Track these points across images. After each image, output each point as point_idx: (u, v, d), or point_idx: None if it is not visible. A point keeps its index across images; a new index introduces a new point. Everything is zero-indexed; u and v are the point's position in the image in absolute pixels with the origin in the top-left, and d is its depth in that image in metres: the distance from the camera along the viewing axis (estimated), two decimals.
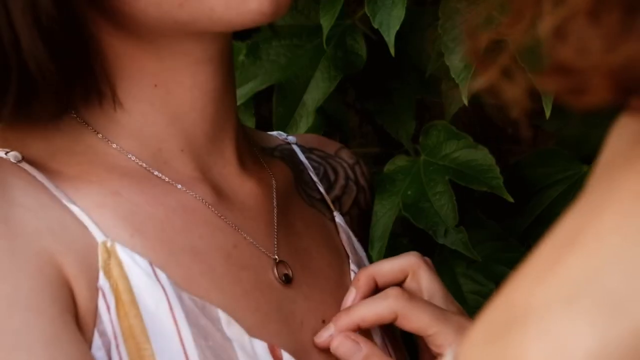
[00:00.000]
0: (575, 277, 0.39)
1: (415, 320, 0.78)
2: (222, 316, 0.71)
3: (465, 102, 0.89)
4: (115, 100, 0.74)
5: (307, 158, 0.92)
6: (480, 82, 0.42)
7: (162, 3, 0.70)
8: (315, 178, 0.90)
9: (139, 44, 0.74)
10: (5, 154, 0.72)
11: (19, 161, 0.71)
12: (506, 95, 0.41)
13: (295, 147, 0.93)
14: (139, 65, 0.74)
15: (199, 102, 0.77)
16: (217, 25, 0.72)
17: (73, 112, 0.74)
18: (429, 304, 0.80)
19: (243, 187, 0.81)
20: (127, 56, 0.74)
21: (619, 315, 0.37)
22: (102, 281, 0.68)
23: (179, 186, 0.76)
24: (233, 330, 0.71)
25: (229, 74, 0.79)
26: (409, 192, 1.08)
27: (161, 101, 0.76)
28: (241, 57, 1.13)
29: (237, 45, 1.15)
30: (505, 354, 0.39)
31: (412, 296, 0.79)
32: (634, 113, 0.39)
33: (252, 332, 0.73)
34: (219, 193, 0.79)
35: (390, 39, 0.95)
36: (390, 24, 0.96)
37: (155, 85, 0.75)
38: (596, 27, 0.38)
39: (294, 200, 0.86)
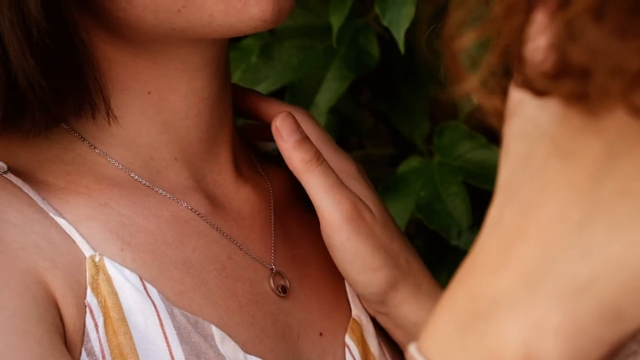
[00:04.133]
0: (531, 267, 0.40)
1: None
2: (216, 332, 0.68)
3: (475, 101, 0.87)
4: (110, 114, 0.70)
5: None
6: (459, 90, 0.41)
7: (159, 9, 0.66)
8: None
9: (133, 51, 0.70)
10: None
11: (5, 172, 0.68)
12: (484, 104, 0.41)
13: None
14: (133, 72, 0.70)
15: (193, 109, 0.73)
16: (216, 32, 0.68)
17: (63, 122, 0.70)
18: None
19: (239, 194, 0.77)
20: (120, 63, 0.70)
21: (584, 294, 0.39)
22: (90, 298, 0.64)
23: (172, 196, 0.72)
24: (227, 346, 0.68)
25: (224, 80, 0.75)
26: (423, 194, 1.06)
27: (154, 109, 0.72)
28: (253, 58, 1.11)
29: (249, 45, 1.12)
30: (484, 344, 0.41)
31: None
32: (636, 113, 0.37)
33: (247, 348, 0.69)
34: (214, 202, 0.75)
35: (399, 37, 0.92)
36: (399, 22, 0.93)
37: (149, 93, 0.71)
38: (602, 27, 0.36)
39: (292, 205, 0.82)
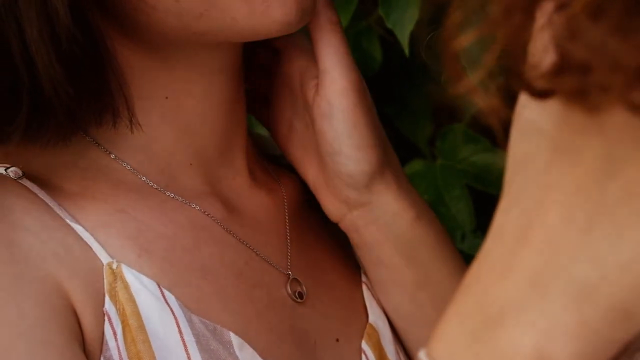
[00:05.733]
0: (538, 271, 0.40)
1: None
2: (234, 339, 0.67)
3: (476, 102, 0.87)
4: (132, 121, 0.68)
5: None
6: (458, 90, 0.40)
7: (182, 13, 0.65)
8: None
9: (152, 55, 0.69)
10: (5, 170, 0.67)
11: (20, 177, 0.67)
12: (482, 105, 0.40)
13: None
14: (151, 77, 0.69)
15: (210, 114, 0.72)
16: (239, 35, 0.67)
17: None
18: None
19: (254, 199, 0.76)
20: (138, 68, 0.69)
21: (592, 296, 0.39)
22: (108, 305, 0.64)
23: (188, 202, 0.71)
24: (246, 354, 0.67)
25: (239, 84, 0.74)
26: (426, 197, 1.05)
27: (172, 114, 0.71)
28: None
29: None
30: (495, 349, 0.41)
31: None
32: (635, 110, 0.37)
33: (265, 355, 0.68)
34: (229, 207, 0.74)
35: (404, 39, 0.92)
36: (404, 24, 0.93)
37: (166, 98, 0.70)
38: (602, 25, 0.36)
39: (305, 209, 0.81)
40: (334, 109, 0.72)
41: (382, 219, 0.76)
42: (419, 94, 1.12)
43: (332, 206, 0.76)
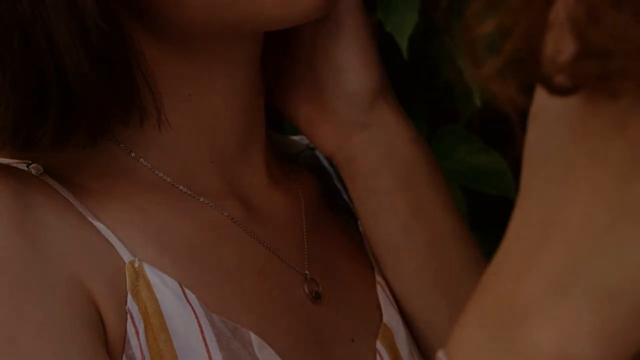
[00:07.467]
0: (559, 272, 0.40)
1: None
2: (254, 339, 0.66)
3: (478, 102, 0.88)
4: (162, 119, 0.67)
5: (331, 165, 0.86)
6: (474, 79, 0.40)
7: (211, 6, 0.64)
8: (339, 185, 0.85)
9: (177, 52, 0.68)
10: (27, 166, 0.66)
11: (41, 174, 0.65)
12: (499, 93, 0.40)
13: (318, 153, 0.86)
14: (175, 74, 0.68)
15: (232, 110, 0.71)
16: (267, 24, 0.67)
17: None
18: None
19: (271, 198, 0.75)
20: (163, 65, 0.67)
21: (617, 298, 0.39)
22: (130, 304, 0.63)
23: (208, 201, 0.71)
24: (265, 354, 0.66)
25: (259, 80, 0.74)
26: None
27: (194, 111, 0.70)
28: None
29: None
30: (516, 350, 0.40)
31: None
32: None
33: (284, 355, 0.68)
34: (248, 206, 0.73)
35: (403, 42, 0.92)
36: (403, 28, 0.93)
37: (190, 95, 0.69)
38: (622, 13, 0.36)
39: (321, 209, 0.80)
40: (343, 26, 0.74)
41: (383, 141, 0.76)
42: (415, 96, 1.13)
43: (329, 137, 0.77)
